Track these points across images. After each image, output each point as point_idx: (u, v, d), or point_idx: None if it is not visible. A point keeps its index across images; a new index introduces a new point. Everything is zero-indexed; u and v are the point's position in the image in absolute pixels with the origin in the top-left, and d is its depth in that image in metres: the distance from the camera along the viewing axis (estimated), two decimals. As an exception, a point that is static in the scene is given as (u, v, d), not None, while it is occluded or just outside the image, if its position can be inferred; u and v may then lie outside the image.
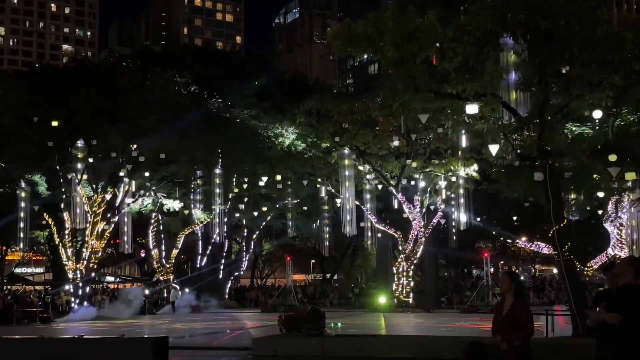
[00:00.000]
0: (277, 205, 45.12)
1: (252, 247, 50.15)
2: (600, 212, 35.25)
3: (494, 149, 19.67)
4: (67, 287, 38.86)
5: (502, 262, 66.19)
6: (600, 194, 29.74)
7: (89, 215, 36.17)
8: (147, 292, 43.01)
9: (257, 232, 49.16)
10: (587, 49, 16.38)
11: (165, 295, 43.84)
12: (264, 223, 46.93)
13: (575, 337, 17.17)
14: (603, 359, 3.84)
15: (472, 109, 17.93)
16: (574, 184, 25.74)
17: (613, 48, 16.01)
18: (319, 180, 40.71)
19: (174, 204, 40.60)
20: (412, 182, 37.97)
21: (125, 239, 40.36)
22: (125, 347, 11.72)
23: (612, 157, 20.43)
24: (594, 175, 25.11)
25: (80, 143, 35.07)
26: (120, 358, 11.41)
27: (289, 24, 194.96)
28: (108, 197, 37.05)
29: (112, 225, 38.00)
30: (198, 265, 45.83)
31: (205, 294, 42.75)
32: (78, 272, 36.64)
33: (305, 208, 45.80)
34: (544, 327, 18.83)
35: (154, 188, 39.55)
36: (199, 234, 44.77)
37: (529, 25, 16.38)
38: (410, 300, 37.87)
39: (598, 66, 16.40)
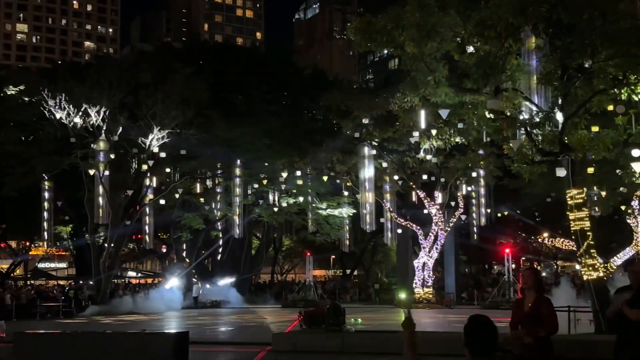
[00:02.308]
0: (297, 201, 45.11)
1: (272, 242, 50.18)
2: (623, 207, 34.80)
3: (515, 144, 19.50)
4: (90, 282, 39.23)
5: (523, 258, 65.65)
6: (624, 189, 29.35)
7: (111, 210, 36.47)
8: (167, 287, 43.33)
9: (277, 228, 49.18)
10: (609, 43, 16.17)
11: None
12: (284, 219, 46.96)
13: (597, 334, 17.01)
14: (625, 357, 3.76)
15: (493, 103, 17.79)
16: (597, 179, 25.47)
17: (636, 41, 15.80)
18: (339, 175, 40.64)
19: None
20: (432, 178, 37.79)
21: (147, 234, 40.64)
22: (146, 342, 11.78)
23: (636, 152, 20.16)
24: (617, 170, 24.82)
25: (102, 139, 35.34)
26: (141, 353, 11.47)
27: (308, 19, 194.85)
28: (130, 192, 37.31)
29: (134, 221, 38.28)
30: (218, 261, 46.06)
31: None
32: (100, 266, 36.95)
33: (325, 203, 45.75)
34: (566, 324, 18.67)
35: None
36: (220, 230, 44.95)
37: (550, 18, 16.22)
38: (431, 296, 37.72)
39: (621, 60, 16.18)
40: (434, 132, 31.67)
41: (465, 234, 43.45)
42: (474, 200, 39.09)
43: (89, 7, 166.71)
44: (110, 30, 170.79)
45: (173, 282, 41.74)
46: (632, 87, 16.76)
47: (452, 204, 38.88)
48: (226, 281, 43.68)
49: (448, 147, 35.00)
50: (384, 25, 17.99)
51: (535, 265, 58.80)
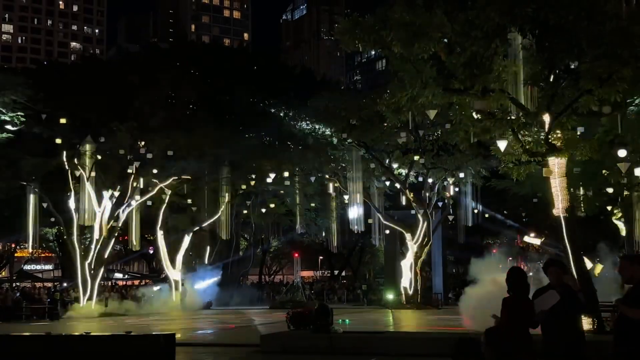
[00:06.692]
0: (285, 202, 45.03)
1: (260, 243, 50.09)
2: (609, 207, 34.99)
3: (502, 145, 19.53)
4: (75, 284, 38.90)
5: (510, 258, 65.83)
6: (610, 190, 29.55)
7: (97, 212, 36.23)
8: (155, 288, 43.13)
9: (265, 229, 49.07)
10: (596, 44, 16.23)
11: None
12: (271, 220, 46.85)
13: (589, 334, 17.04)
14: (622, 356, 3.72)
15: (480, 104, 17.81)
16: (583, 179, 25.62)
17: (622, 42, 15.87)
18: (327, 176, 40.60)
19: None
20: (420, 179, 37.85)
21: (134, 235, 40.37)
22: (131, 344, 11.68)
23: (622, 153, 20.30)
24: (603, 171, 24.98)
25: (88, 140, 35.11)
26: (126, 355, 11.38)
27: (296, 20, 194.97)
28: (116, 194, 37.11)
29: (121, 222, 38.06)
30: (206, 262, 45.84)
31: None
32: (86, 268, 36.68)
33: (313, 205, 45.71)
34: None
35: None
36: (207, 231, 44.74)
37: (537, 19, 16.26)
38: (418, 297, 37.74)
39: (607, 61, 16.24)
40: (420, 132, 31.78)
41: (453, 234, 43.53)
42: (461, 201, 39.18)
43: (75, 8, 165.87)
44: (97, 30, 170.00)
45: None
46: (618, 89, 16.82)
47: (440, 204, 38.96)
48: (212, 281, 43.51)
49: (436, 148, 35.10)
50: (372, 25, 17.96)
51: (521, 265, 58.98)
